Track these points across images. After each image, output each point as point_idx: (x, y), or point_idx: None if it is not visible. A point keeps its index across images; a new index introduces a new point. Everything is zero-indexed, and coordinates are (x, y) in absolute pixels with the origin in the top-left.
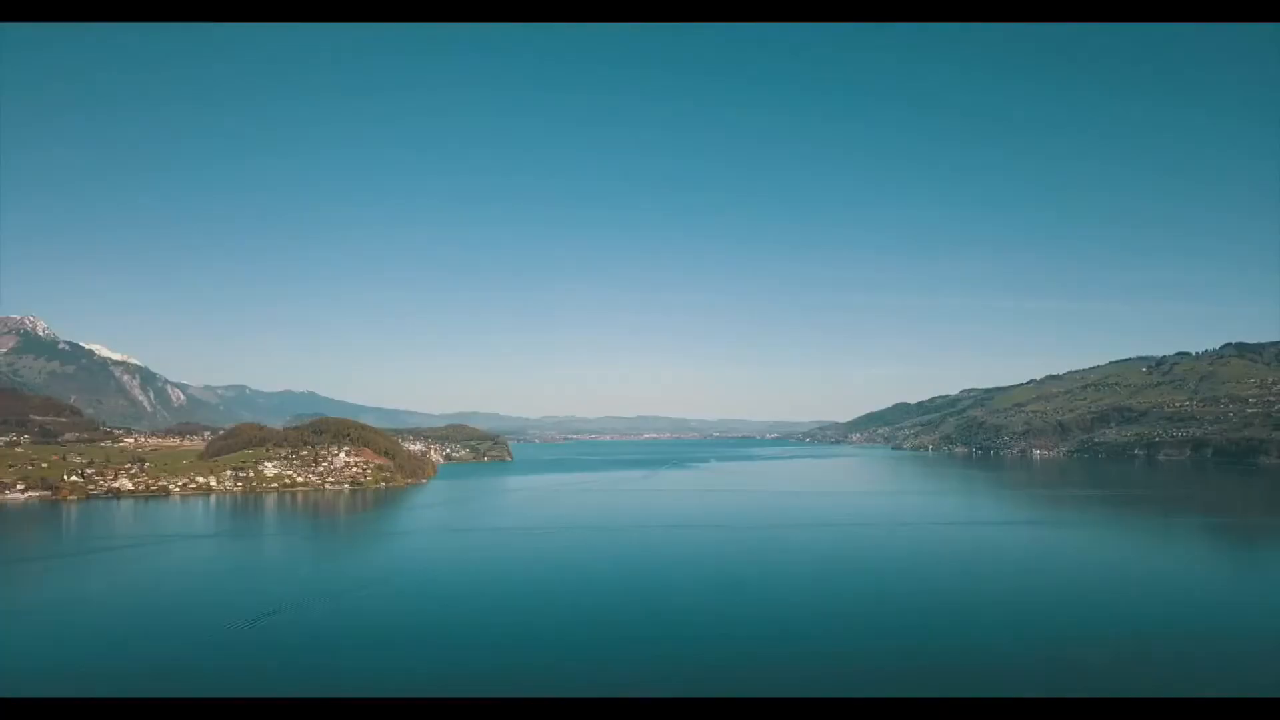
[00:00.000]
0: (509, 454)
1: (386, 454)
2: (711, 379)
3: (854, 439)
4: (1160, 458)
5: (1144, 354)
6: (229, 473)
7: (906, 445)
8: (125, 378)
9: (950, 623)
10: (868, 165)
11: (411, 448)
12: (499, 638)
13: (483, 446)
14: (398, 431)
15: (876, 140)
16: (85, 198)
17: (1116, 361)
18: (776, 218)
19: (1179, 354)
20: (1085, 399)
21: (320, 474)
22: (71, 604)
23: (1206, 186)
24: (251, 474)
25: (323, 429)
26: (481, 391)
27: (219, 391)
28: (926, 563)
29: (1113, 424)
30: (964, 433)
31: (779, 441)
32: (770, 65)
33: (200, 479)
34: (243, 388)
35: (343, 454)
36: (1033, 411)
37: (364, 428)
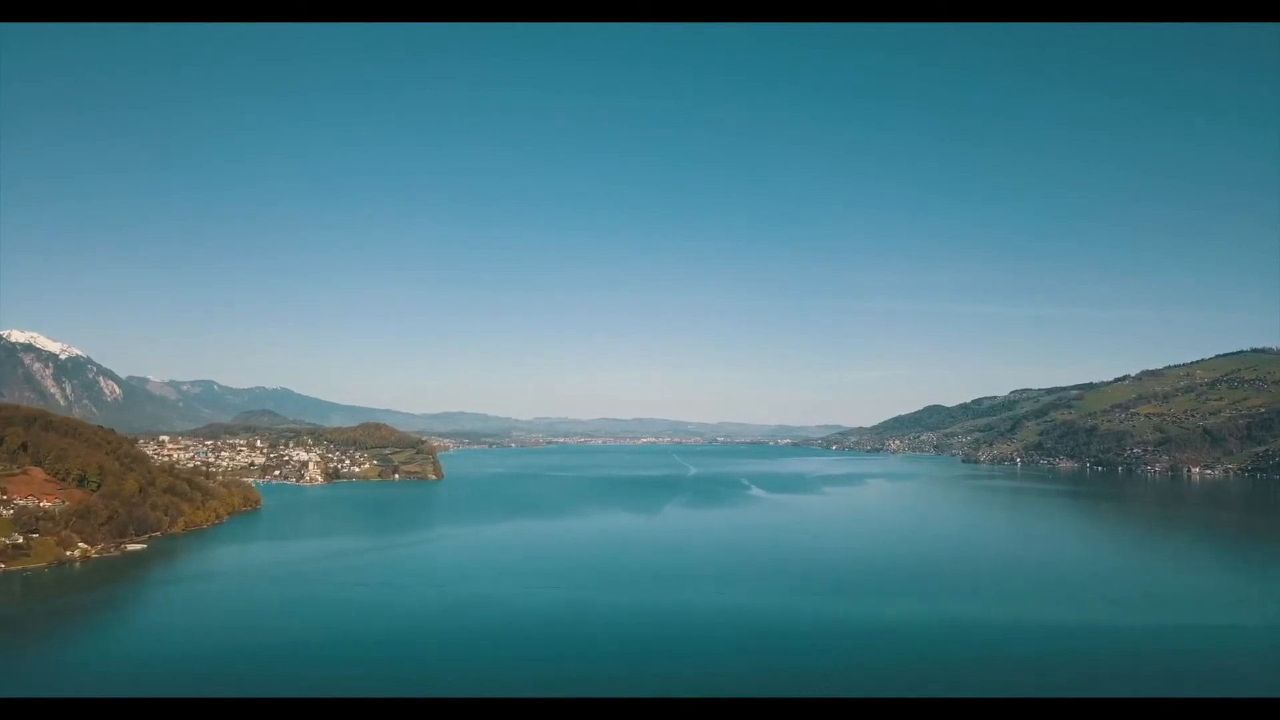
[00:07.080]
0: (436, 469)
1: (83, 482)
2: (710, 381)
3: (893, 446)
4: None
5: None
6: None
7: (983, 457)
8: (36, 366)
9: None
10: (867, 166)
11: (300, 456)
12: None
13: (398, 458)
14: (296, 433)
15: (873, 141)
16: (66, 192)
17: (1225, 355)
18: (777, 219)
19: None
20: (1219, 399)
21: None
22: None
23: (1205, 189)
24: None
25: None
26: (471, 392)
27: (183, 387)
28: None
29: None
30: (1062, 442)
31: (799, 449)
32: (770, 65)
33: None
34: (210, 383)
35: None
36: (1158, 415)
37: (73, 427)
